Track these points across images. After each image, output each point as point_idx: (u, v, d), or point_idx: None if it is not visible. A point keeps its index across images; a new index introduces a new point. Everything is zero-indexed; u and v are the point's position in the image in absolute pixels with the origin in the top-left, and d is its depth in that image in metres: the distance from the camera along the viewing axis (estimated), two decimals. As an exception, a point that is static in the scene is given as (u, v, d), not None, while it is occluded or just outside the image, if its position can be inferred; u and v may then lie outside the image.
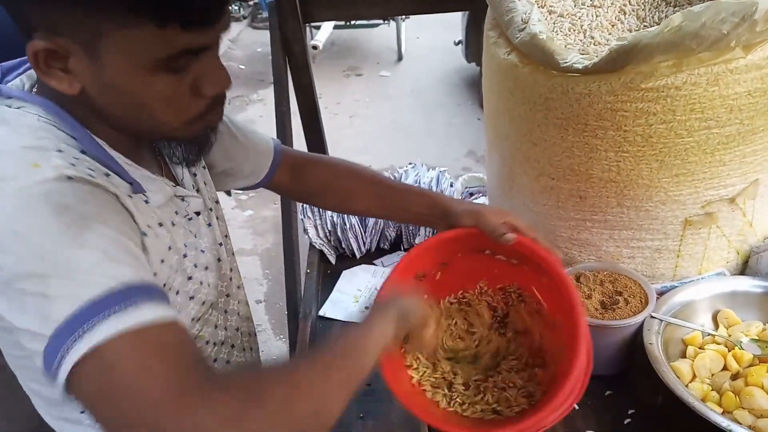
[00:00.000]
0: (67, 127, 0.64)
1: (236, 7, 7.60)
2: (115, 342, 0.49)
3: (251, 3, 7.63)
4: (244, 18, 7.61)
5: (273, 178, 1.01)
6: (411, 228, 1.53)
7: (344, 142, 4.36)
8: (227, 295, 0.90)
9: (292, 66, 1.70)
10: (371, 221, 1.51)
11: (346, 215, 1.50)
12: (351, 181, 1.03)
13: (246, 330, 0.98)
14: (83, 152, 0.64)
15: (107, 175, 0.64)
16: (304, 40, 1.68)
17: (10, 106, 0.65)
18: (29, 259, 0.53)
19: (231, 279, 0.91)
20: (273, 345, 2.66)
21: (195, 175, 0.85)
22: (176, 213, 0.76)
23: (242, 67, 6.11)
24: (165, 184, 0.75)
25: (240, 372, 0.60)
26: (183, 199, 0.78)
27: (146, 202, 0.69)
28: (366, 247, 1.55)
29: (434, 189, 1.56)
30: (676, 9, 1.11)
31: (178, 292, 0.74)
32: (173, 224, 0.74)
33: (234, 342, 0.92)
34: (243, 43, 6.85)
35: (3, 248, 0.54)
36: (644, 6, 1.14)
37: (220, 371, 0.62)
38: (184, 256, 0.75)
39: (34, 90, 0.68)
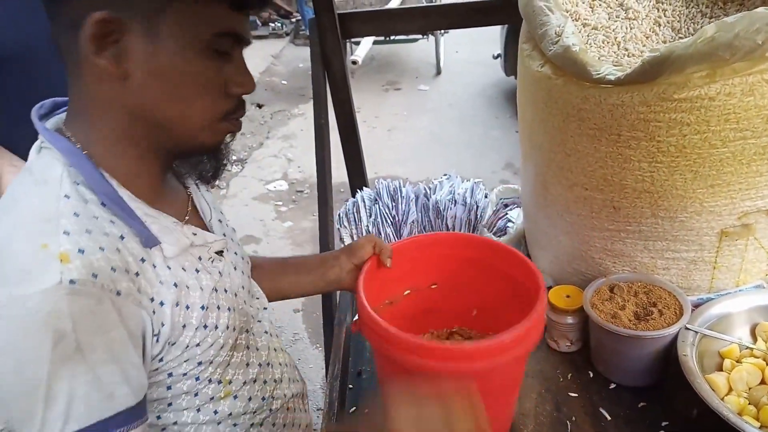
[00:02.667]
0: (86, 177, 0.66)
1: (279, 24, 7.80)
2: None
3: (293, 20, 7.82)
4: (287, 35, 7.79)
5: None
6: (445, 238, 1.55)
7: (382, 155, 4.41)
8: (246, 331, 0.87)
9: (331, 80, 1.75)
10: (405, 231, 1.54)
11: (380, 224, 1.53)
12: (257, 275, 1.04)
13: (278, 361, 0.96)
14: (103, 204, 0.66)
15: (122, 237, 0.66)
16: (343, 56, 1.73)
17: (39, 147, 0.69)
18: (18, 385, 0.59)
19: (252, 316, 0.90)
20: (309, 353, 2.70)
21: (220, 221, 0.88)
22: (199, 259, 0.77)
23: (284, 82, 6.26)
24: (183, 235, 0.74)
25: None
26: (202, 244, 0.78)
27: (154, 266, 0.69)
28: (401, 256, 1.57)
29: (468, 200, 1.57)
30: (711, 20, 1.11)
31: (188, 345, 0.73)
32: (197, 271, 0.75)
33: (266, 377, 0.90)
34: (285, 59, 7.02)
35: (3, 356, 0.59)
36: (679, 18, 1.14)
37: None
38: (202, 307, 0.74)
39: (64, 127, 0.70)
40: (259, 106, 5.57)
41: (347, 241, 1.58)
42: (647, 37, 1.13)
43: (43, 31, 1.13)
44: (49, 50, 1.14)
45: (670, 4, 1.17)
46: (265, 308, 0.96)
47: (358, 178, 1.98)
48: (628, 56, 1.10)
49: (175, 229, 0.73)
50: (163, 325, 0.69)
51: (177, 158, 0.77)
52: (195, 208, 0.83)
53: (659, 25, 1.15)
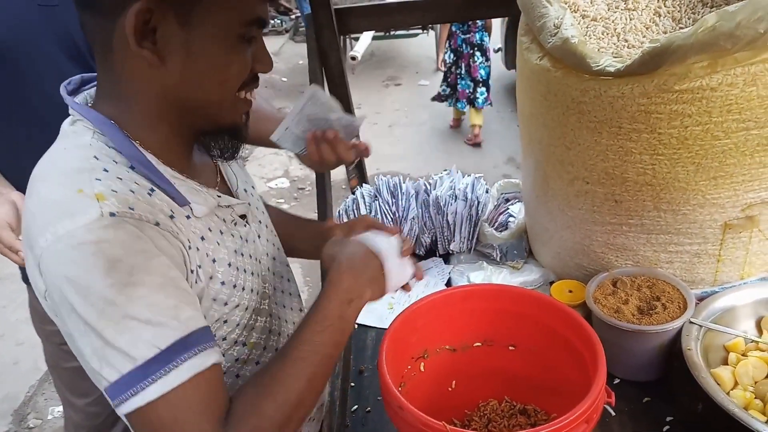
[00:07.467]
0: (116, 143, 0.70)
1: (278, 21, 7.78)
2: (156, 404, 0.62)
3: (293, 17, 7.80)
4: (286, 32, 7.77)
5: None
6: (446, 233, 1.53)
7: (383, 151, 4.39)
8: (269, 298, 0.89)
9: (329, 76, 1.74)
10: (406, 227, 1.53)
11: (380, 221, 1.52)
12: None
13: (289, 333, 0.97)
14: (132, 167, 0.70)
15: (151, 191, 0.69)
16: (340, 51, 1.71)
17: (73, 120, 0.72)
18: (88, 311, 0.61)
19: (277, 287, 0.93)
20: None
21: (245, 190, 0.90)
22: (224, 221, 0.80)
23: (284, 79, 6.24)
24: (209, 196, 0.78)
25: (241, 401, 0.69)
26: (227, 206, 0.82)
27: (188, 217, 0.73)
28: (402, 253, 1.56)
29: (469, 195, 1.56)
30: (712, 9, 1.09)
31: (215, 299, 0.76)
32: (221, 232, 0.78)
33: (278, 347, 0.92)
34: (285, 56, 6.99)
35: (63, 291, 0.62)
36: (680, 8, 1.12)
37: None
38: (229, 264, 0.77)
39: (90, 104, 0.74)
40: (260, 103, 5.55)
41: (347, 238, 1.57)
42: (647, 28, 1.11)
43: (35, 23, 1.13)
44: (39, 42, 1.13)
45: (670, -6, 1.15)
46: (289, 280, 0.99)
47: (357, 174, 1.96)
48: (627, 47, 1.09)
49: (201, 190, 0.77)
50: (199, 267, 0.72)
51: (203, 135, 0.79)
52: (223, 178, 0.87)
53: (659, 15, 1.13)
